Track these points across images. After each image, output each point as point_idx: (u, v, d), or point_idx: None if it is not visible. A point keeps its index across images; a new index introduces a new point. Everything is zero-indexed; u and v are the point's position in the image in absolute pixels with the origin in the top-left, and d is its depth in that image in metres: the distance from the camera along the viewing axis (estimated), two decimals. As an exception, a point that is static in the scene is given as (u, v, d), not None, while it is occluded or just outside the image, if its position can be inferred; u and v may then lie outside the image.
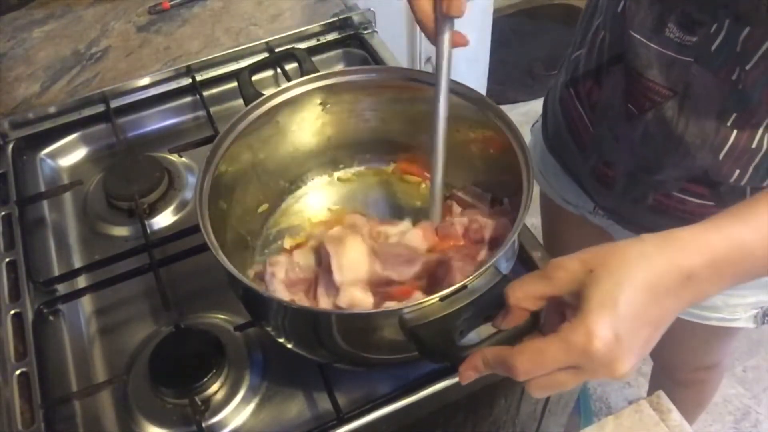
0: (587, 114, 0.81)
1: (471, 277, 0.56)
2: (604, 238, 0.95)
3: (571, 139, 0.86)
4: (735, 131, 0.67)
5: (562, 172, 0.93)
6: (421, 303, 0.54)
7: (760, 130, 0.67)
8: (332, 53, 1.06)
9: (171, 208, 0.88)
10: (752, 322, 0.89)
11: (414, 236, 0.70)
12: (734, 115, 0.66)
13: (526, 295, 0.49)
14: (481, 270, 0.57)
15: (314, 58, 0.87)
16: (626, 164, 0.78)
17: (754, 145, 0.67)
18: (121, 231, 0.86)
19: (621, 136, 0.76)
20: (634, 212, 0.82)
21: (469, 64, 1.80)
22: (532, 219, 1.00)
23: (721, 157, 0.69)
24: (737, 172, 0.70)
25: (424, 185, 0.81)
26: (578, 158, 0.85)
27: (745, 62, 0.62)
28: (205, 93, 0.98)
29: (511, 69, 2.39)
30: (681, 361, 1.13)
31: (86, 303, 0.79)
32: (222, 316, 0.76)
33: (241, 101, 0.77)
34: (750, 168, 0.70)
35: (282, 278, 0.67)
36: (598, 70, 0.77)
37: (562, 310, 0.49)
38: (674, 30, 0.65)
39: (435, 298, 0.55)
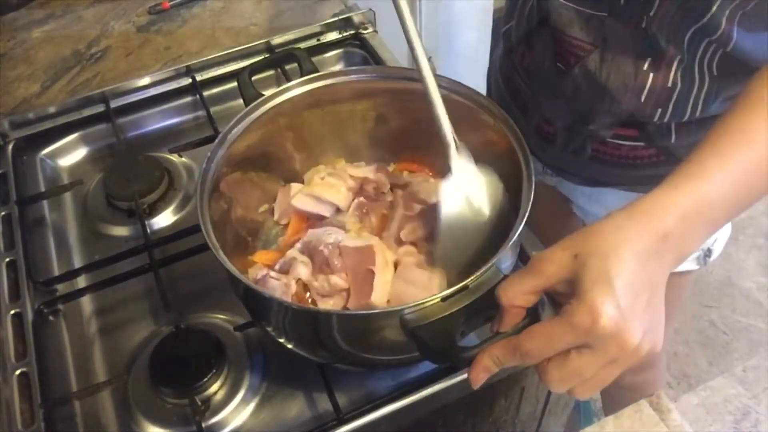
0: (522, 77, 0.87)
1: (472, 278, 0.56)
2: (559, 197, 0.99)
3: (514, 104, 0.91)
4: (651, 74, 0.73)
5: None
6: (422, 303, 0.54)
7: (672, 70, 0.72)
8: (332, 53, 1.06)
9: (171, 208, 0.88)
10: (696, 264, 0.94)
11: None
12: (648, 60, 0.73)
13: (516, 292, 0.49)
14: (482, 270, 0.57)
15: (314, 58, 0.87)
16: (563, 118, 0.83)
17: (669, 84, 0.73)
18: (121, 231, 0.86)
19: (554, 93, 0.82)
20: (576, 164, 0.87)
21: (469, 64, 1.80)
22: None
23: (643, 99, 0.75)
24: (659, 110, 0.76)
25: (432, 180, 0.81)
26: (521, 121, 0.89)
27: (649, 10, 0.68)
28: (205, 93, 0.98)
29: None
30: None
31: (86, 303, 0.79)
32: (222, 316, 0.76)
33: (241, 101, 0.77)
34: (670, 105, 0.75)
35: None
36: (527, 35, 0.83)
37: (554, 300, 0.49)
38: None
39: (436, 298, 0.55)
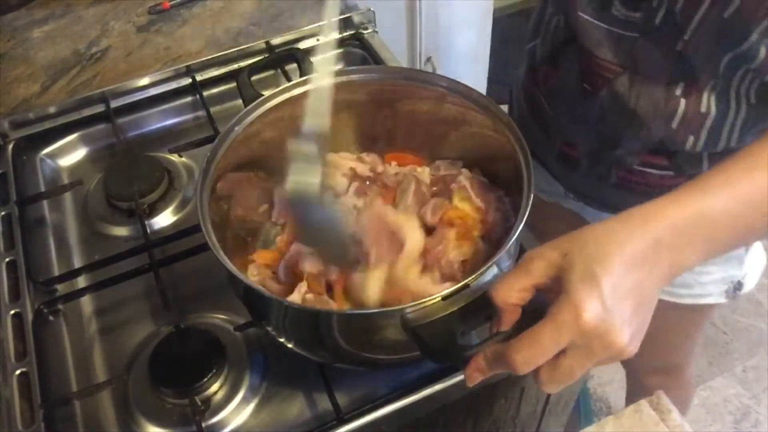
0: (546, 97, 0.84)
1: (472, 277, 0.56)
2: (580, 222, 0.96)
3: (536, 124, 0.88)
4: (683, 99, 0.70)
5: (533, 159, 0.94)
6: (423, 303, 0.55)
7: (705, 94, 0.69)
8: (332, 53, 1.06)
9: (171, 208, 0.88)
10: (724, 297, 0.91)
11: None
12: (681, 84, 0.69)
13: (508, 291, 0.50)
14: (483, 269, 0.57)
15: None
16: (587, 143, 0.80)
17: (703, 110, 0.70)
18: (121, 231, 0.86)
19: (579, 115, 0.79)
20: (600, 191, 0.84)
21: (469, 64, 1.80)
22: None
23: (674, 125, 0.72)
24: (691, 138, 0.72)
25: (419, 169, 0.80)
26: (543, 142, 0.87)
27: (684, 33, 0.65)
28: (205, 93, 0.98)
29: (511, 69, 2.39)
30: (642, 355, 1.12)
31: (86, 303, 0.79)
32: (222, 316, 0.76)
33: (241, 101, 0.77)
34: (702, 133, 0.72)
35: None
36: (553, 55, 0.80)
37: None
38: (619, 7, 0.68)
39: (437, 297, 0.55)
